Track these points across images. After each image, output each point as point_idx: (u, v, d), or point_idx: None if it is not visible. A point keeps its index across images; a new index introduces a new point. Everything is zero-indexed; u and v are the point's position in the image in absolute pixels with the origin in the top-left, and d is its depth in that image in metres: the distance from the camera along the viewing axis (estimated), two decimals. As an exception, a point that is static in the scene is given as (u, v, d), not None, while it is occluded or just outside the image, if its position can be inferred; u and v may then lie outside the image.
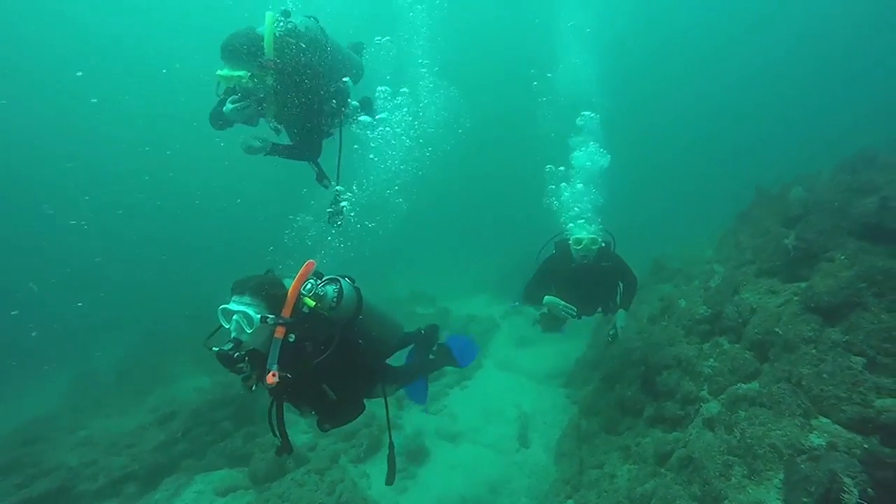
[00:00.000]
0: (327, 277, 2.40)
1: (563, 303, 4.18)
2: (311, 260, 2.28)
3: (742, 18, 21.13)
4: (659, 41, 21.90)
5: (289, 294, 2.12)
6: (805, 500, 2.51)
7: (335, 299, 2.29)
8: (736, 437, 3.35)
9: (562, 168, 5.31)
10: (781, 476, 2.86)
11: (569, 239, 4.27)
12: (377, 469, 5.44)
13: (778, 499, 2.76)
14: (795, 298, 3.93)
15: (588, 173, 5.09)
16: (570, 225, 4.38)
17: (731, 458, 3.27)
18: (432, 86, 4.71)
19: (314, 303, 2.15)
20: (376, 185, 3.92)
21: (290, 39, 2.98)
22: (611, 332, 4.38)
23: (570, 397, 6.41)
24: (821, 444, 2.84)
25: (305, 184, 3.78)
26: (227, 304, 2.06)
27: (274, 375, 1.98)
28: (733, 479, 3.13)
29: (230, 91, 3.02)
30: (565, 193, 4.97)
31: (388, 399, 2.76)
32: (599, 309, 4.67)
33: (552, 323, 4.93)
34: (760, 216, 5.78)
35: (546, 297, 4.27)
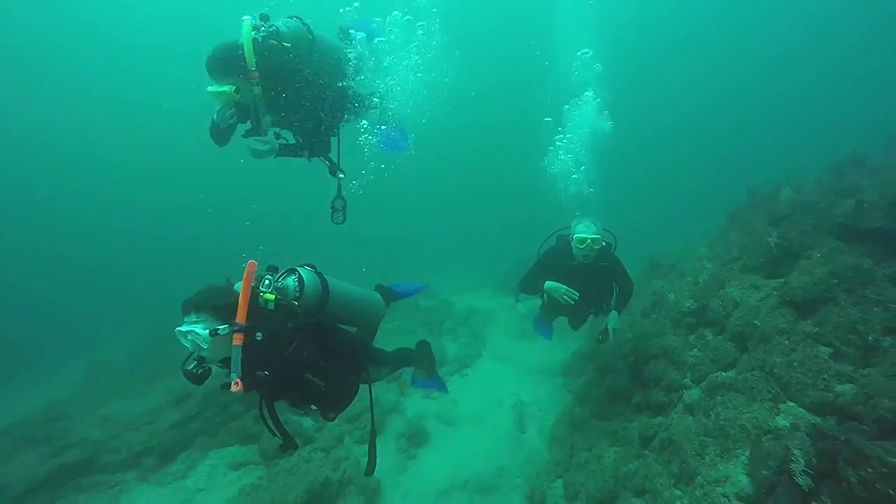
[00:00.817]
0: (284, 270, 2.41)
1: (564, 287, 4.12)
2: (252, 260, 2.24)
3: (741, 20, 21.08)
4: (657, 44, 21.89)
5: (240, 299, 2.07)
6: (764, 472, 2.77)
7: (297, 289, 2.32)
8: (712, 419, 3.62)
9: (561, 129, 5.37)
10: (748, 453, 3.13)
11: (572, 236, 4.23)
12: (379, 449, 5.74)
13: (743, 473, 3.03)
14: (775, 293, 4.16)
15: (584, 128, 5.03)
16: (575, 222, 4.33)
17: (706, 438, 3.53)
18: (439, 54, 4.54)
19: (273, 297, 2.14)
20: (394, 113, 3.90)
21: (273, 42, 2.90)
22: (600, 334, 4.35)
23: (566, 387, 6.67)
24: (785, 426, 3.10)
25: (311, 179, 3.91)
26: (181, 325, 2.05)
27: (237, 384, 2.00)
28: (707, 457, 3.40)
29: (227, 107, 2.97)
30: (559, 143, 4.94)
31: (372, 386, 2.76)
32: (591, 312, 4.68)
33: (547, 316, 5.13)
34: (751, 216, 6.00)
35: (547, 282, 4.22)
